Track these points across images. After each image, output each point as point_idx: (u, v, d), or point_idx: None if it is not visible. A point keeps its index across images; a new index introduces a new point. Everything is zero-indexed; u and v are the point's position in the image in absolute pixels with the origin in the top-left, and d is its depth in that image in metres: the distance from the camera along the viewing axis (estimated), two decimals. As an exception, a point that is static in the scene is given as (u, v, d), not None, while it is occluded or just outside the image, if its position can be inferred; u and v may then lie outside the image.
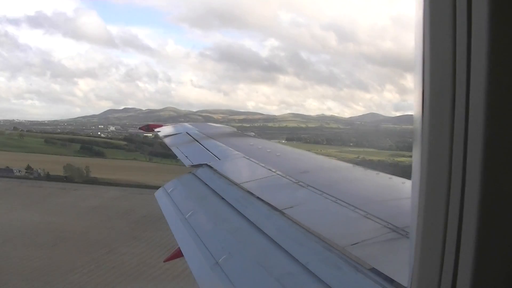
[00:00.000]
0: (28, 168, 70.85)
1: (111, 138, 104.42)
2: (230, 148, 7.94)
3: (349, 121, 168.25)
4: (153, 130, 11.68)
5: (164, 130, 11.19)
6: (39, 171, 70.25)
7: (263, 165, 6.40)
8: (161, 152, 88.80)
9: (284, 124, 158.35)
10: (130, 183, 66.11)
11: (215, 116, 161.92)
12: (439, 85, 1.02)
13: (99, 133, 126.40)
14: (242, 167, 6.80)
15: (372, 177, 5.67)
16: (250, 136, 10.82)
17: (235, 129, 12.06)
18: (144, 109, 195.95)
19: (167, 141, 9.94)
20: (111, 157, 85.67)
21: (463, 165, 0.97)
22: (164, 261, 7.29)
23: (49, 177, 67.98)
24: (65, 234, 42.19)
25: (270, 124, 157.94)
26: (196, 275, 3.95)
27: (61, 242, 40.61)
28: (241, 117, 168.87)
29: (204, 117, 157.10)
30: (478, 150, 0.93)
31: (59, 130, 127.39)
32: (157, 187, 6.70)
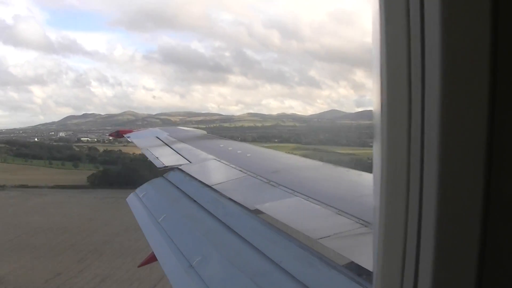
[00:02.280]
0: None
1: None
2: (200, 151, 8.10)
3: (309, 119, 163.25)
4: (123, 136, 11.76)
5: (135, 135, 11.45)
6: None
7: (234, 166, 6.54)
8: (25, 153, 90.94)
9: (240, 124, 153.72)
10: None
11: (173, 118, 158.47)
12: (395, 84, 1.01)
13: (35, 139, 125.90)
14: (213, 169, 6.83)
15: (342, 174, 5.78)
16: (220, 138, 10.70)
17: (205, 132, 12.23)
18: (103, 114, 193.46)
19: (138, 144, 9.95)
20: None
21: (421, 164, 0.97)
22: (138, 267, 7.14)
23: None
24: None
25: (226, 125, 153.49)
26: (171, 279, 3.93)
27: None
28: (199, 118, 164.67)
29: (162, 120, 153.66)
30: (434, 146, 0.93)
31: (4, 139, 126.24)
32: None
